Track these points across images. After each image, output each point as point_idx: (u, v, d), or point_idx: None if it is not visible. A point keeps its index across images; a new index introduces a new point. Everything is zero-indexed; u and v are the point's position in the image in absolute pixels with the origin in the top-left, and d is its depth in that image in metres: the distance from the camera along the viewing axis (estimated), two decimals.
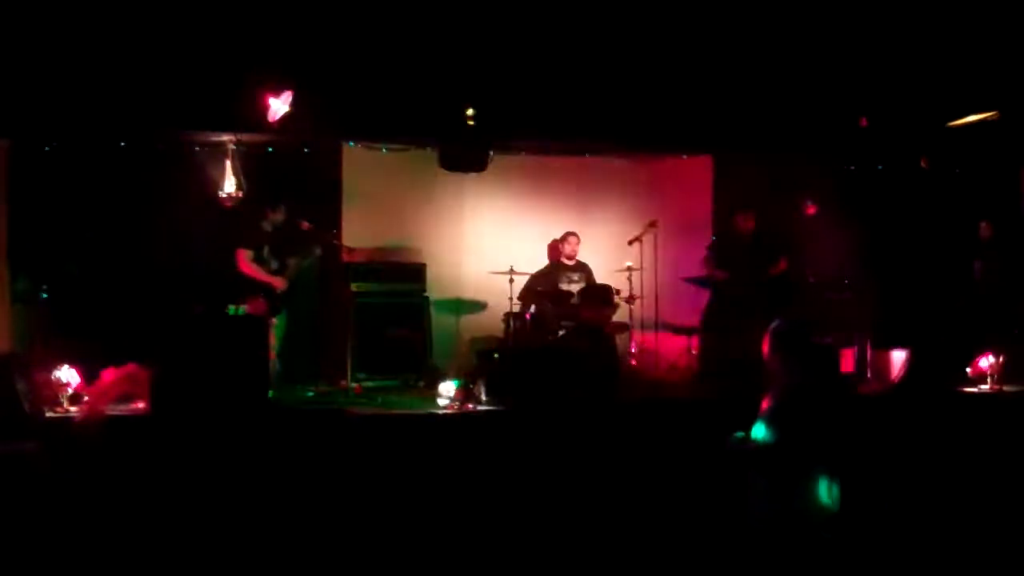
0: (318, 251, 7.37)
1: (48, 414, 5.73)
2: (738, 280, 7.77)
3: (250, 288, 6.86)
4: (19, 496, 4.74)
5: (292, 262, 7.22)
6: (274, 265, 7.10)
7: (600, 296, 7.82)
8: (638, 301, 8.02)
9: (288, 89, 6.77)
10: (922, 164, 8.31)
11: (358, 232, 7.82)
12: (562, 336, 7.54)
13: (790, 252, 7.79)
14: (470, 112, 7.24)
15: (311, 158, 8.18)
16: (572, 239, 8.12)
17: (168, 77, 6.68)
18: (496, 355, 6.91)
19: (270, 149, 7.94)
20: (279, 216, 7.15)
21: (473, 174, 8.03)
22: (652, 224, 8.07)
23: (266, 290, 6.94)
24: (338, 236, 7.60)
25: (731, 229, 8.15)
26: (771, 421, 3.73)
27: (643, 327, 8.18)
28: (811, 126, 7.91)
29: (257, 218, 7.13)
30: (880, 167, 8.87)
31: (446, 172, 7.94)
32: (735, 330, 7.74)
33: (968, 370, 7.38)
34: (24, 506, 4.71)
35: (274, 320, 7.00)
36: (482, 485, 5.40)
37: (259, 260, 7.01)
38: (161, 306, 7.06)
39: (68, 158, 7.51)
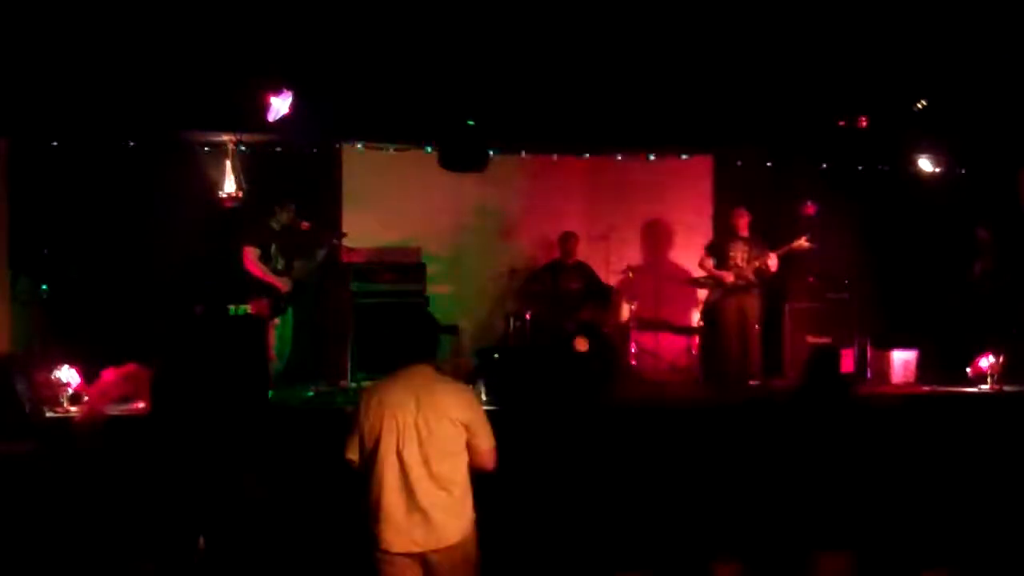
0: (322, 254, 7.37)
1: (48, 414, 5.74)
2: (735, 279, 7.77)
3: (254, 287, 6.86)
4: (18, 496, 4.75)
5: (298, 264, 7.22)
6: (280, 265, 7.10)
7: (600, 296, 7.83)
8: (638, 301, 8.02)
9: (288, 89, 6.76)
10: (923, 165, 8.31)
11: (358, 232, 7.81)
12: (562, 336, 7.53)
13: (781, 253, 7.79)
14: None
15: (311, 158, 8.19)
16: (572, 239, 8.13)
17: (168, 77, 6.68)
18: (496, 355, 6.91)
19: (270, 149, 7.94)
20: (287, 215, 7.15)
21: (473, 174, 8.03)
22: (651, 224, 8.04)
23: (269, 290, 6.94)
24: (340, 236, 7.59)
25: (727, 228, 8.16)
26: None
27: (643, 327, 8.18)
28: (811, 126, 7.91)
29: (264, 216, 7.13)
30: (880, 167, 8.87)
31: (446, 172, 7.94)
32: (732, 329, 7.76)
33: (968, 370, 7.41)
34: (23, 506, 4.72)
35: (276, 320, 7.00)
36: (480, 485, 5.39)
37: (265, 259, 7.01)
38: (161, 306, 7.07)
39: (68, 158, 7.51)
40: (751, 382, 7.66)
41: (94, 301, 7.35)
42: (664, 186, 8.88)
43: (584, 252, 8.19)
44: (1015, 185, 8.28)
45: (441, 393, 3.64)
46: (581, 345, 7.38)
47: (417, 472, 3.53)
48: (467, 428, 3.62)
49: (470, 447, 3.65)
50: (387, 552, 3.55)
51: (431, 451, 3.55)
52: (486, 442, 3.68)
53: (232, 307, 6.48)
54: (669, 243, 8.36)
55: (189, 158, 7.78)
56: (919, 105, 7.47)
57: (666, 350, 8.40)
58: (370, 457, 3.61)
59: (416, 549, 3.53)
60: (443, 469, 3.56)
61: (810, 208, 8.35)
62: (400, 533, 3.53)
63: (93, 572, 4.61)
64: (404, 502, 3.53)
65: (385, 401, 3.62)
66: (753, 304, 7.84)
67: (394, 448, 3.55)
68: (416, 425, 3.56)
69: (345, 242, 7.60)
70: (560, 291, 7.88)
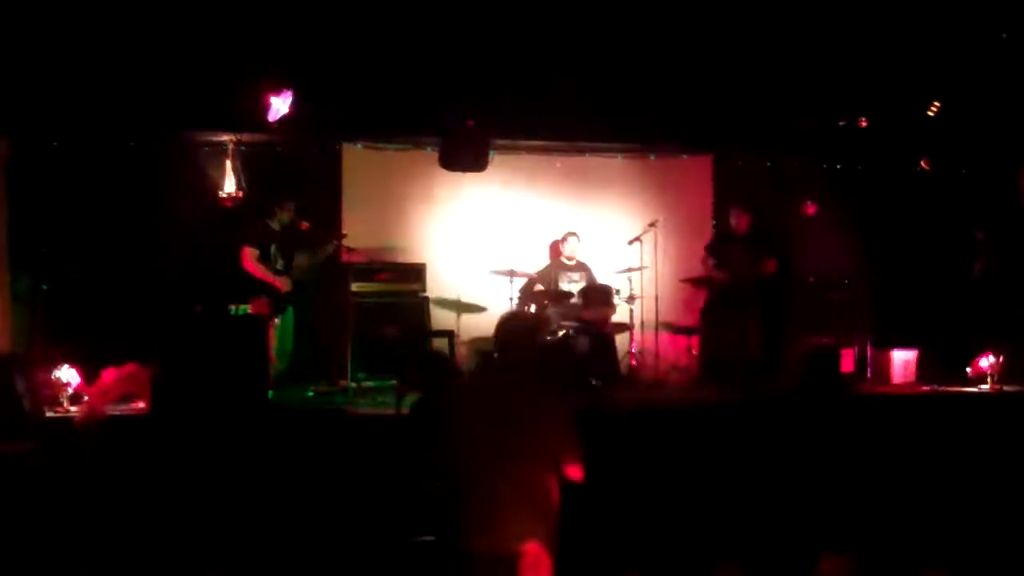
0: (330, 249, 7.36)
1: (48, 414, 5.73)
2: (734, 279, 7.77)
3: (253, 287, 6.86)
4: (19, 496, 4.75)
5: (301, 261, 7.21)
6: (280, 265, 7.09)
7: (600, 296, 7.82)
8: (638, 301, 8.02)
9: (288, 88, 6.76)
10: (923, 166, 8.31)
11: (358, 232, 7.81)
12: (562, 336, 7.54)
13: (781, 252, 7.78)
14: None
15: (311, 158, 8.19)
16: (572, 239, 8.13)
17: (168, 77, 6.68)
18: (496, 355, 6.89)
19: (270, 149, 7.95)
20: (287, 214, 7.14)
21: (473, 174, 8.03)
22: (652, 224, 8.09)
23: (268, 290, 6.94)
24: (340, 237, 7.57)
25: (726, 228, 8.16)
26: None
27: (643, 327, 8.18)
28: (811, 126, 7.91)
29: (264, 216, 7.12)
30: (880, 167, 8.88)
31: (446, 172, 7.94)
32: (732, 329, 7.76)
33: (968, 370, 7.41)
34: (24, 506, 4.72)
35: (276, 320, 6.99)
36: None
37: (265, 259, 7.00)
38: (161, 306, 7.06)
39: (68, 157, 7.51)
40: (751, 382, 7.65)
41: (94, 301, 7.35)
42: (664, 186, 8.88)
43: (584, 252, 8.19)
44: (1015, 185, 8.28)
45: (532, 404, 3.67)
46: (581, 345, 7.38)
47: (502, 477, 3.57)
48: (554, 439, 3.66)
49: (557, 458, 3.69)
50: (466, 551, 3.60)
51: (515, 456, 3.59)
52: (571, 455, 3.72)
53: (232, 307, 6.48)
54: (669, 243, 8.35)
55: (189, 158, 7.78)
56: (932, 109, 7.47)
57: (666, 350, 8.39)
58: (460, 458, 3.65)
59: (492, 550, 3.57)
60: (525, 476, 3.60)
61: (810, 208, 8.35)
62: (481, 533, 3.58)
63: (93, 571, 4.61)
64: (486, 503, 3.57)
65: (480, 405, 3.70)
66: (753, 304, 7.84)
67: (483, 450, 3.59)
68: (504, 429, 3.60)
69: (345, 242, 7.61)
70: (560, 291, 7.88)
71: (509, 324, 3.89)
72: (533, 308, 7.80)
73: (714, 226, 8.84)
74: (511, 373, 3.78)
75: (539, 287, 7.97)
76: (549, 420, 3.66)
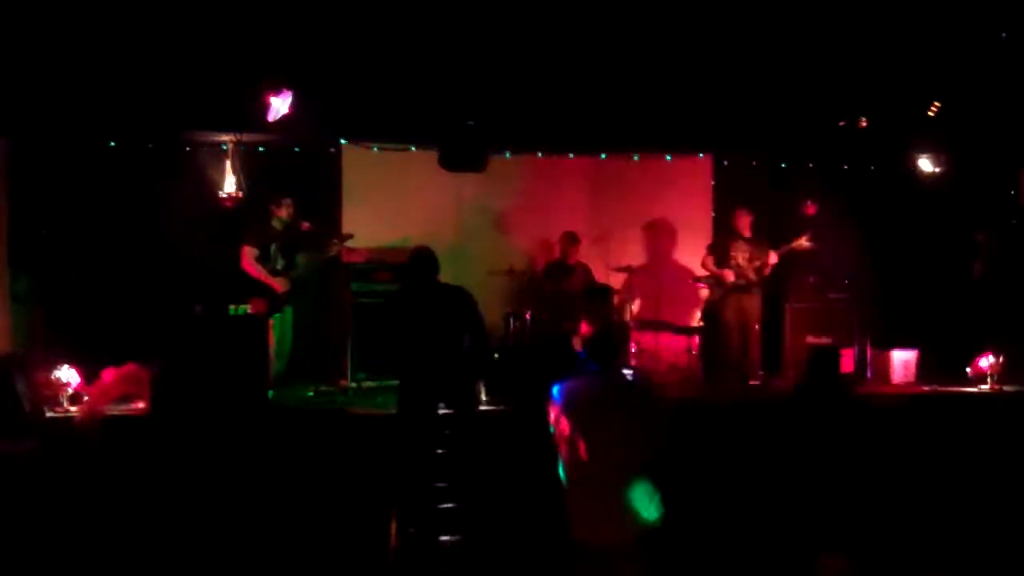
0: (333, 250, 7.34)
1: (48, 414, 5.74)
2: (735, 279, 7.77)
3: (250, 287, 6.85)
4: (19, 496, 4.75)
5: (302, 260, 7.20)
6: (280, 264, 7.08)
7: (600, 296, 7.81)
8: (638, 301, 8.02)
9: (288, 88, 6.77)
10: (922, 165, 8.31)
11: (358, 232, 7.80)
12: (562, 336, 7.52)
13: (781, 252, 7.79)
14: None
15: (311, 158, 8.19)
16: (572, 239, 8.12)
17: (168, 77, 6.69)
18: (496, 355, 6.91)
19: (270, 149, 7.95)
20: (285, 211, 7.12)
21: (473, 174, 8.03)
22: (653, 224, 8.07)
23: (266, 290, 6.93)
24: (344, 239, 7.56)
25: (727, 228, 8.16)
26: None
27: (643, 327, 8.18)
28: (811, 126, 7.91)
29: (264, 216, 7.11)
30: (880, 167, 8.88)
31: (446, 172, 7.94)
32: (732, 329, 7.77)
33: (968, 370, 7.41)
34: (24, 506, 4.72)
35: (271, 321, 6.98)
36: (482, 485, 5.40)
37: (265, 259, 6.99)
38: (161, 306, 7.07)
39: (68, 157, 7.52)
40: (751, 382, 7.66)
41: (94, 301, 7.35)
42: (664, 186, 8.88)
43: (584, 252, 8.19)
44: (1015, 185, 8.28)
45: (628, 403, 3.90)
46: (579, 344, 7.37)
47: (614, 467, 3.70)
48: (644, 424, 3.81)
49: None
50: (579, 544, 3.75)
51: (623, 445, 3.72)
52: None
53: (232, 307, 6.48)
54: (669, 243, 8.35)
55: (189, 158, 7.79)
56: (932, 109, 7.46)
57: (666, 350, 8.38)
58: (584, 455, 3.75)
59: (603, 541, 3.67)
60: (627, 463, 3.73)
61: (810, 208, 8.35)
62: (592, 526, 3.72)
63: (93, 571, 4.61)
64: (601, 496, 3.69)
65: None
66: (753, 304, 7.84)
67: (603, 444, 3.71)
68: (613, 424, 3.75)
69: (348, 242, 7.60)
70: (560, 291, 7.88)
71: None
72: (532, 308, 7.80)
73: (714, 226, 8.83)
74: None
75: (539, 287, 7.97)
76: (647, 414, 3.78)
